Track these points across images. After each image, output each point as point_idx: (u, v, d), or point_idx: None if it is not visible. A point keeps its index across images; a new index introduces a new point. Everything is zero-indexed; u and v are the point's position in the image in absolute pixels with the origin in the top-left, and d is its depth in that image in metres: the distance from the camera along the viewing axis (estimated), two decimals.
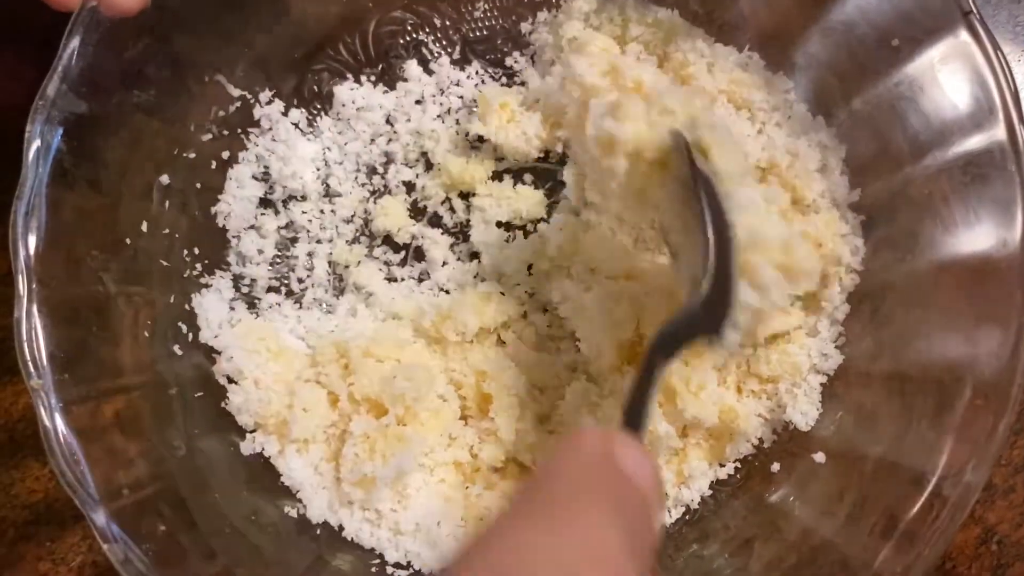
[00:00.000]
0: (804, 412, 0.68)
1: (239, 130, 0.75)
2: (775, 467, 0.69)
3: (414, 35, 0.80)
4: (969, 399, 0.57)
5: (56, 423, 0.58)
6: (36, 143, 0.61)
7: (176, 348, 0.69)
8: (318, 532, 0.69)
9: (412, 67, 0.80)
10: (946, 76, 0.62)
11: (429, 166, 0.79)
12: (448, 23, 0.80)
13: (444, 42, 0.80)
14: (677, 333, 0.50)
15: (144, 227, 0.68)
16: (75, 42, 0.62)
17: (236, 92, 0.73)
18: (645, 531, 0.40)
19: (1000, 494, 0.75)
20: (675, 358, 0.50)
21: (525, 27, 0.80)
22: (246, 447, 0.70)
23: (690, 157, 0.53)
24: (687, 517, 0.71)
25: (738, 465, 0.71)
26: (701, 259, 0.50)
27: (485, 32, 0.81)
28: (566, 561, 0.34)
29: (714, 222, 0.50)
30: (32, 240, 0.60)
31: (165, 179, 0.69)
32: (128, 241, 0.66)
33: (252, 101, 0.75)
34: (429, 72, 0.80)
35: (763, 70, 0.74)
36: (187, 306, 0.71)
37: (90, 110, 0.63)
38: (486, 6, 0.80)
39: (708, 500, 0.72)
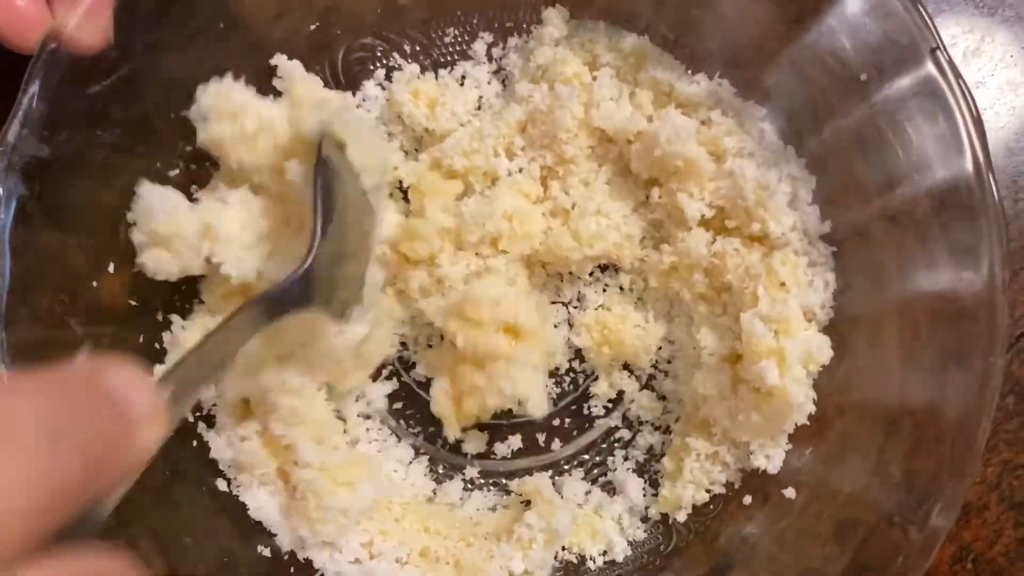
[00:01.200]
0: (769, 455, 0.68)
1: (207, 163, 0.74)
2: (747, 500, 0.69)
3: (384, 61, 0.79)
4: (935, 441, 0.57)
5: None
6: None
7: None
8: (292, 570, 0.70)
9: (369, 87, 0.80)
10: (914, 110, 0.62)
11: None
12: (418, 48, 0.79)
13: (414, 67, 0.80)
14: (277, 297, 0.59)
15: (111, 267, 0.67)
16: (35, 86, 0.61)
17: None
18: (101, 445, 0.36)
19: (975, 512, 0.76)
20: (268, 324, 0.58)
21: (496, 52, 0.80)
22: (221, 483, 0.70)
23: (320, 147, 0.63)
24: (663, 548, 0.72)
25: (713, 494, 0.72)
26: (308, 237, 0.60)
27: (456, 57, 0.80)
28: None
29: (324, 208, 0.61)
30: None
31: (132, 217, 0.69)
32: (95, 283, 0.66)
33: None
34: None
35: (734, 97, 0.73)
36: (157, 345, 0.70)
37: (53, 153, 0.62)
38: (456, 32, 0.79)
39: (682, 528, 0.72)
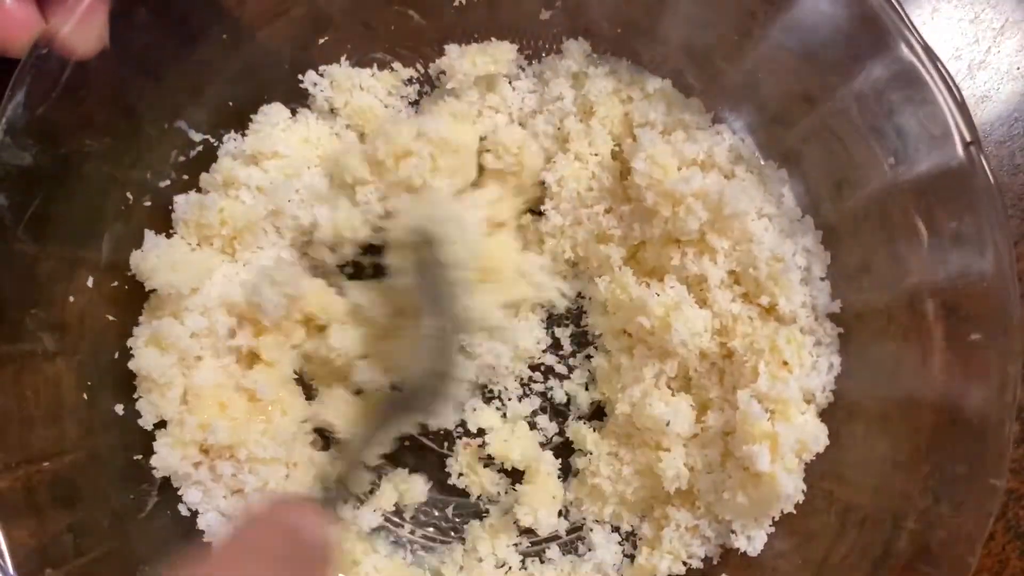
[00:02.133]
0: (751, 536, 0.66)
1: (202, 173, 0.71)
2: None
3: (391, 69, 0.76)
4: (926, 563, 0.55)
5: None
6: None
7: (118, 408, 0.66)
8: None
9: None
10: (942, 202, 0.58)
11: None
12: (430, 67, 0.76)
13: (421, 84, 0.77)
14: (388, 412, 0.66)
15: (90, 282, 0.65)
16: (21, 93, 0.58)
17: (199, 137, 0.70)
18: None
19: None
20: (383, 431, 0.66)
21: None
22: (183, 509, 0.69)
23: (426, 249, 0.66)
24: None
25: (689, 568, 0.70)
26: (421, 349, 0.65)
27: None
28: None
29: (436, 314, 0.65)
30: None
31: (115, 228, 0.66)
32: (72, 299, 0.63)
33: (216, 144, 0.71)
34: None
35: (754, 156, 0.70)
36: (132, 363, 0.68)
37: (35, 162, 0.60)
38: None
39: None
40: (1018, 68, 0.80)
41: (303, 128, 0.74)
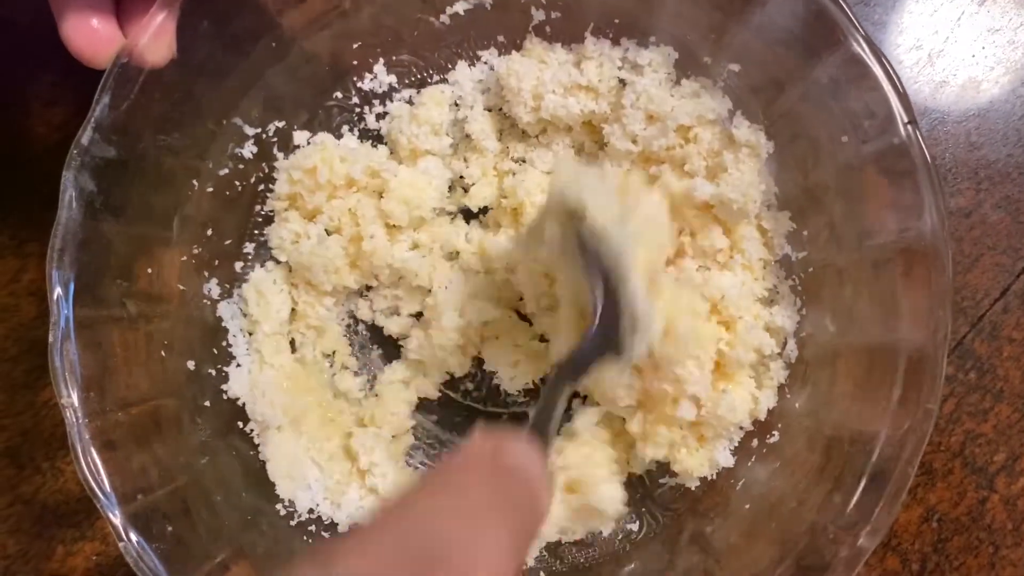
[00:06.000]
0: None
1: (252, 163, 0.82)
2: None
3: (418, 76, 0.86)
4: (872, 479, 0.65)
5: (82, 437, 0.67)
6: (70, 186, 0.68)
7: (190, 364, 0.78)
8: (311, 528, 0.80)
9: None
10: (889, 173, 0.68)
11: None
12: (451, 67, 0.86)
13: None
14: (580, 358, 0.63)
15: (164, 256, 0.76)
16: (106, 97, 0.69)
17: (251, 131, 0.80)
18: (527, 514, 0.46)
19: (940, 476, 0.85)
20: (580, 380, 0.63)
21: None
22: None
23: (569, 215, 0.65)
24: (634, 536, 0.81)
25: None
26: (590, 295, 0.63)
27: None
28: (453, 524, 0.41)
29: (598, 267, 0.63)
30: (65, 273, 0.68)
31: (183, 210, 0.77)
32: (149, 270, 0.75)
33: (265, 137, 0.82)
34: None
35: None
36: (201, 325, 0.80)
37: (119, 154, 0.70)
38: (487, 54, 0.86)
39: (654, 517, 0.81)
40: (972, 56, 0.89)
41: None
